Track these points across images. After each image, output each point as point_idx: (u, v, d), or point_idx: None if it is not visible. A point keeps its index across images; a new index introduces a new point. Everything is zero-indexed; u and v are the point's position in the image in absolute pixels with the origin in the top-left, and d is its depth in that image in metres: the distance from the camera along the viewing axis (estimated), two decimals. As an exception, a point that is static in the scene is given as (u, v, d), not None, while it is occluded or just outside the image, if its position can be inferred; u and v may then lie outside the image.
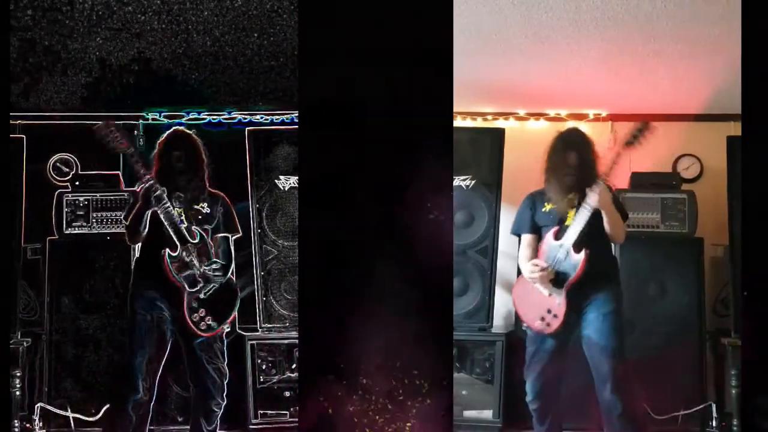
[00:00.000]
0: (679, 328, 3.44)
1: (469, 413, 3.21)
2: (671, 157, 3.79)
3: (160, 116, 3.32)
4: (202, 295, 2.81)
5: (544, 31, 2.92)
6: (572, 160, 2.72)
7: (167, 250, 2.73)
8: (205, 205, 2.85)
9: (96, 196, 3.36)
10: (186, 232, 2.76)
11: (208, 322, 2.83)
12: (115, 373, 3.27)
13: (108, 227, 3.34)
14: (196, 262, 2.80)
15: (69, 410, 3.33)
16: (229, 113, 3.29)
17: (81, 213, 3.37)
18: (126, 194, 3.33)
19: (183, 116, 3.30)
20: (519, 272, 2.92)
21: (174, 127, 2.91)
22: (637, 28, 2.90)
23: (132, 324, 2.82)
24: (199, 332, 2.83)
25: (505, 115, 3.62)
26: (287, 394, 3.28)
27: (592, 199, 2.60)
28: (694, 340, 3.45)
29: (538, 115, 3.62)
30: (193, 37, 3.10)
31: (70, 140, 3.38)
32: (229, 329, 2.97)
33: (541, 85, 3.41)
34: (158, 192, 2.68)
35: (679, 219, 3.45)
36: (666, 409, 3.31)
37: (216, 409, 2.89)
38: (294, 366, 3.30)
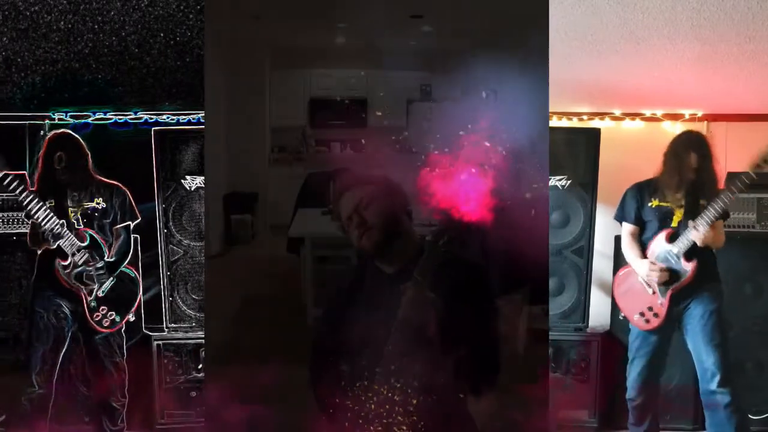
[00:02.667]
0: (775, 328, 3.44)
1: (564, 413, 3.25)
2: (768, 157, 3.71)
3: (66, 116, 3.32)
4: (100, 293, 2.88)
5: (639, 31, 2.99)
6: (692, 162, 2.82)
7: (59, 260, 2.81)
8: (101, 199, 2.90)
9: (2, 196, 3.37)
10: (75, 238, 2.82)
11: (111, 318, 2.92)
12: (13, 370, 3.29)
13: (14, 227, 3.36)
14: (86, 264, 2.86)
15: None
16: (136, 113, 3.28)
17: (-14, 213, 3.40)
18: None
19: (89, 116, 3.30)
20: (618, 265, 3.08)
21: (53, 131, 2.99)
22: (732, 29, 2.95)
23: (30, 321, 2.93)
24: (102, 329, 2.89)
25: (601, 115, 3.67)
26: (194, 394, 3.28)
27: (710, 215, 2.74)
28: (790, 340, 3.44)
29: (633, 115, 3.66)
30: (99, 37, 3.07)
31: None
32: (133, 318, 3.00)
33: (636, 85, 3.51)
34: (35, 210, 2.75)
35: (775, 219, 3.48)
36: (762, 409, 3.32)
37: (117, 407, 2.95)
38: (200, 366, 3.31)
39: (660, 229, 2.88)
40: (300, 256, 4.85)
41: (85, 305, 2.89)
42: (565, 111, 3.61)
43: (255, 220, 7.67)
